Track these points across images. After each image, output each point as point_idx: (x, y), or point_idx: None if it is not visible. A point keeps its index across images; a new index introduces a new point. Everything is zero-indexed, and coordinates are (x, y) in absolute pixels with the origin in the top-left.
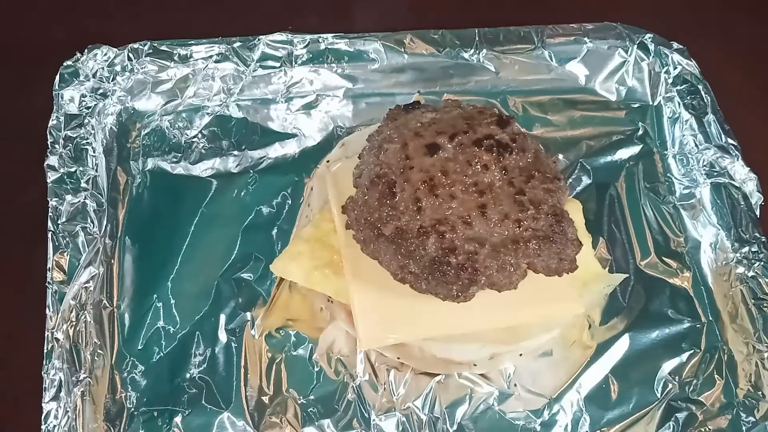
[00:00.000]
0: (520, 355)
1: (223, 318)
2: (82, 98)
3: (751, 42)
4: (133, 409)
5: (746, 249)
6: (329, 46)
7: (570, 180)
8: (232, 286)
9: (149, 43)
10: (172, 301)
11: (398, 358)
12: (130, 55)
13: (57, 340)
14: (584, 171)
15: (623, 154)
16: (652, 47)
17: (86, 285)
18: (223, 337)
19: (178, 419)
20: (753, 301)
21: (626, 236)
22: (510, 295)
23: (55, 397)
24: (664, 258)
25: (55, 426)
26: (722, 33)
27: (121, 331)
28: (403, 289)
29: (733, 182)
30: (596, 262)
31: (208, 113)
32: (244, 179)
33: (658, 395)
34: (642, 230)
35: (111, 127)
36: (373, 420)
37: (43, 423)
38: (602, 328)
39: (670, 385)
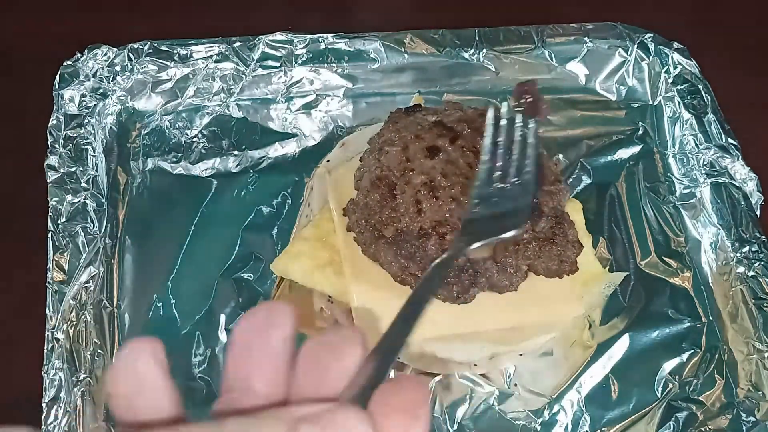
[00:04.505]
0: (521, 355)
1: (223, 318)
2: (82, 98)
3: (751, 42)
4: None
5: (746, 249)
6: (329, 46)
7: (570, 180)
8: (232, 286)
9: (149, 43)
10: (172, 301)
11: (398, 358)
12: (130, 55)
13: (57, 340)
14: (584, 171)
15: (623, 153)
16: (652, 47)
17: (86, 285)
18: (223, 337)
19: None
20: (753, 300)
21: (626, 236)
22: (510, 295)
23: (55, 397)
24: (664, 258)
25: (55, 426)
26: (722, 33)
27: (121, 331)
28: (404, 290)
29: (733, 182)
30: (597, 262)
31: (208, 113)
32: (244, 179)
33: (659, 395)
34: (642, 230)
35: (111, 127)
36: None
37: (43, 423)
38: (602, 328)
39: (671, 385)
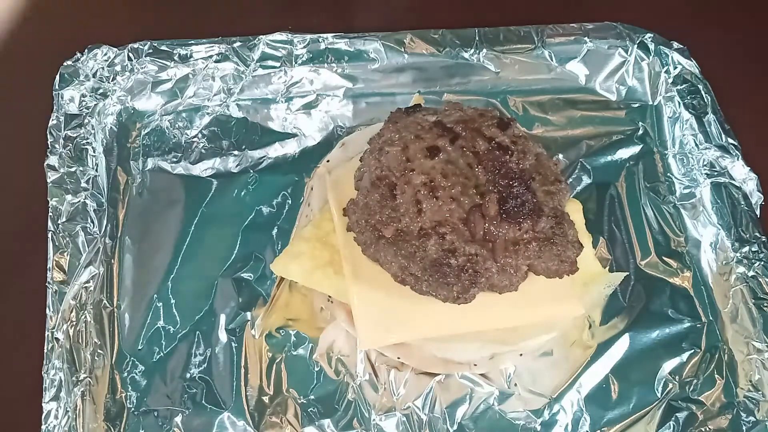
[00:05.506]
0: (521, 355)
1: (223, 318)
2: (82, 98)
3: (751, 42)
4: (133, 409)
5: (746, 249)
6: (329, 46)
7: (570, 180)
8: (232, 286)
9: (149, 43)
10: (172, 301)
11: (398, 358)
12: (130, 55)
13: (57, 340)
14: (584, 171)
15: (623, 153)
16: (652, 47)
17: (86, 285)
18: (223, 337)
19: (178, 419)
20: (753, 300)
21: (626, 236)
22: (510, 295)
23: (55, 397)
24: (664, 258)
25: (55, 426)
26: (722, 33)
27: (121, 331)
28: (404, 289)
29: (733, 182)
30: (597, 262)
31: (208, 113)
32: (244, 179)
33: (659, 395)
34: (642, 230)
35: (111, 127)
36: (373, 420)
37: (43, 423)
38: (602, 327)
39: (671, 385)
